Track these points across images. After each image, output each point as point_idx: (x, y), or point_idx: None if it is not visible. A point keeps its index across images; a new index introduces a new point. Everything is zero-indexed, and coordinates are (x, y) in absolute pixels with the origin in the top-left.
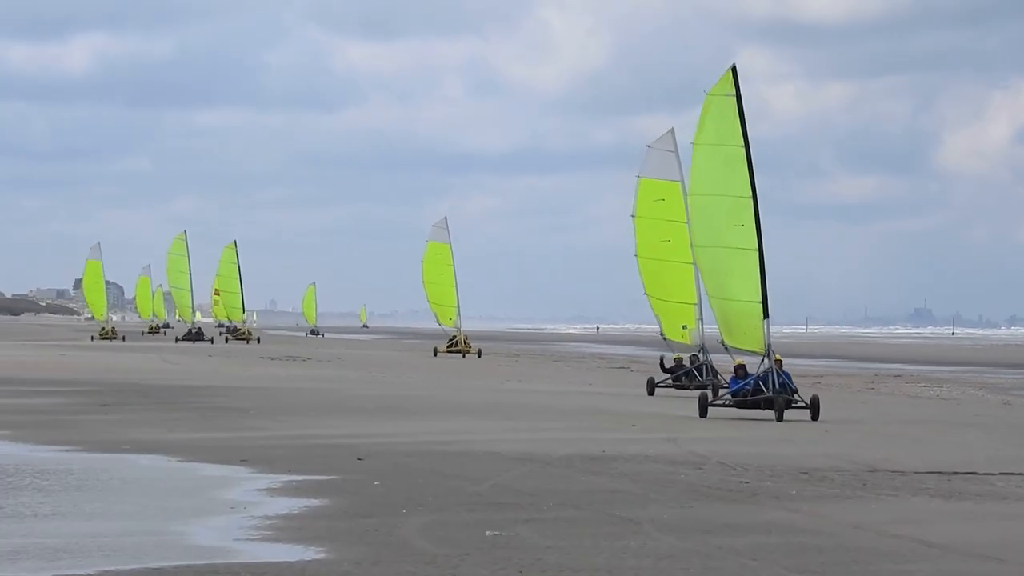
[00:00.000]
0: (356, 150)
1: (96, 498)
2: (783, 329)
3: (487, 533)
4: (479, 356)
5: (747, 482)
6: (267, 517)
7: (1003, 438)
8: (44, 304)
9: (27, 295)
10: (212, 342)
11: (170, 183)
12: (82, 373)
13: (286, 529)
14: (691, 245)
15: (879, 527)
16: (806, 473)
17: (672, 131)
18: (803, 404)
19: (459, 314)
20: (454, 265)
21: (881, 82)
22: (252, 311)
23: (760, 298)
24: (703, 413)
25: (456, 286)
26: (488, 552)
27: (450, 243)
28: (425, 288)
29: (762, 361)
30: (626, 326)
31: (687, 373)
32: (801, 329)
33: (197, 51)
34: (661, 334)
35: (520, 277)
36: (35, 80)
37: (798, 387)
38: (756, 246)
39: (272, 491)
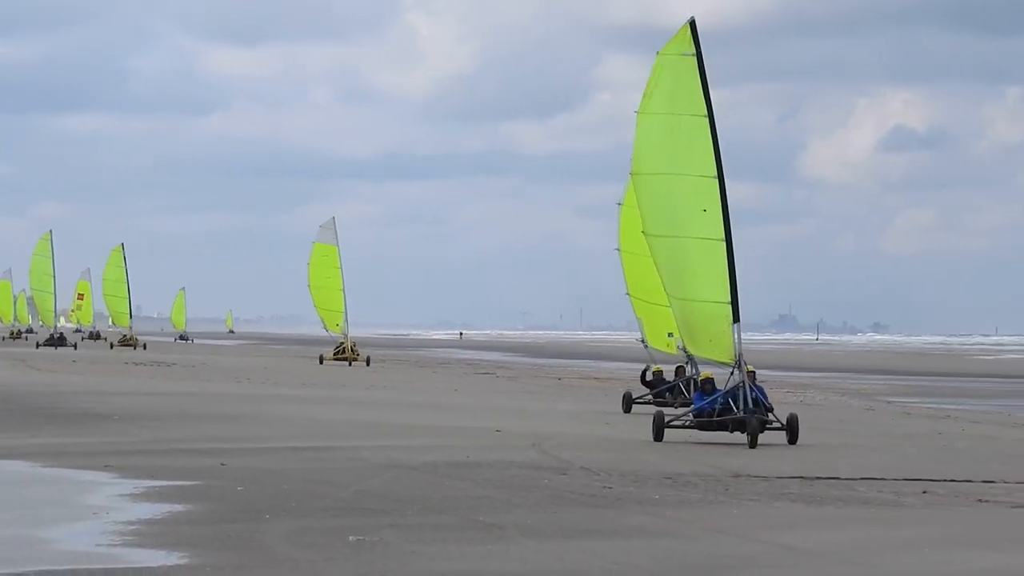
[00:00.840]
0: (223, 156)
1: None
2: None
3: (351, 538)
4: (367, 364)
5: (611, 487)
6: (129, 522)
7: (866, 444)
8: None
9: None
10: (75, 347)
11: (35, 188)
12: None
13: (148, 535)
14: (642, 232)
15: (742, 532)
16: (670, 479)
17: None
18: (779, 425)
19: (347, 320)
20: (342, 268)
21: (748, 90)
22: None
23: (729, 298)
24: (658, 436)
25: (344, 290)
26: (352, 557)
27: (338, 244)
28: (311, 292)
29: (731, 373)
30: (488, 332)
31: (671, 388)
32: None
33: (64, 56)
34: (642, 341)
35: (386, 282)
36: None
37: (773, 404)
38: (723, 236)
39: (135, 496)
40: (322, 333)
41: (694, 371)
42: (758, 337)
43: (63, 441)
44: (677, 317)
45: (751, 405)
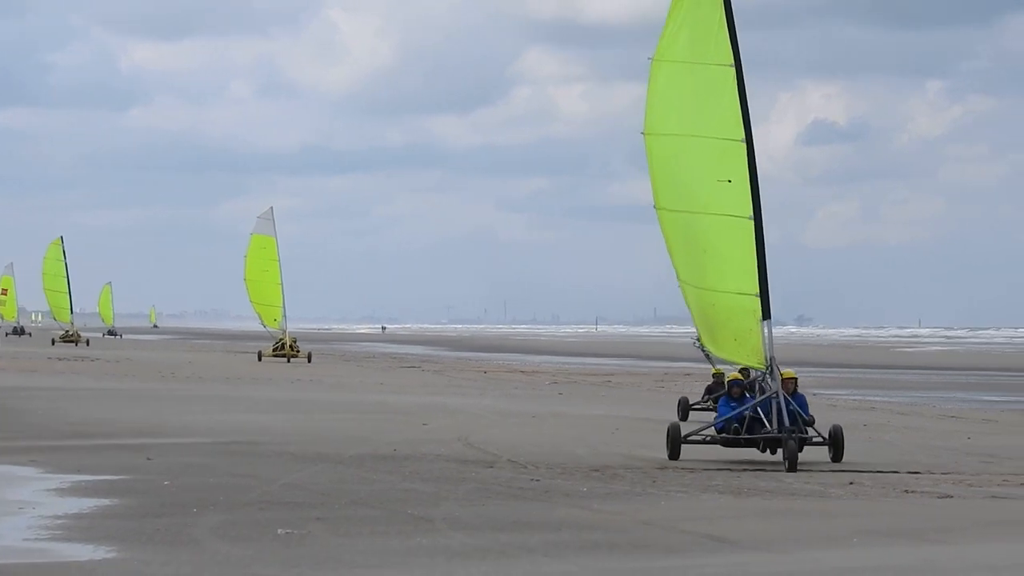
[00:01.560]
0: (145, 151)
1: None
2: (577, 329)
3: (279, 531)
4: (308, 361)
5: (538, 480)
6: (56, 517)
7: None
8: None
9: None
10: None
11: None
12: None
13: (76, 528)
14: (654, 207)
15: (669, 523)
16: (597, 471)
17: None
18: (821, 440)
19: (284, 315)
20: (280, 260)
21: None
22: (38, 312)
23: (757, 289)
24: (673, 454)
25: (282, 284)
26: (280, 550)
27: (276, 236)
28: (247, 286)
29: (762, 379)
30: (410, 326)
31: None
32: (591, 328)
33: None
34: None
35: (308, 277)
36: None
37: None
38: (751, 213)
39: (61, 491)
40: (247, 327)
41: (759, 377)
42: (682, 330)
43: None
44: (693, 309)
45: (787, 419)
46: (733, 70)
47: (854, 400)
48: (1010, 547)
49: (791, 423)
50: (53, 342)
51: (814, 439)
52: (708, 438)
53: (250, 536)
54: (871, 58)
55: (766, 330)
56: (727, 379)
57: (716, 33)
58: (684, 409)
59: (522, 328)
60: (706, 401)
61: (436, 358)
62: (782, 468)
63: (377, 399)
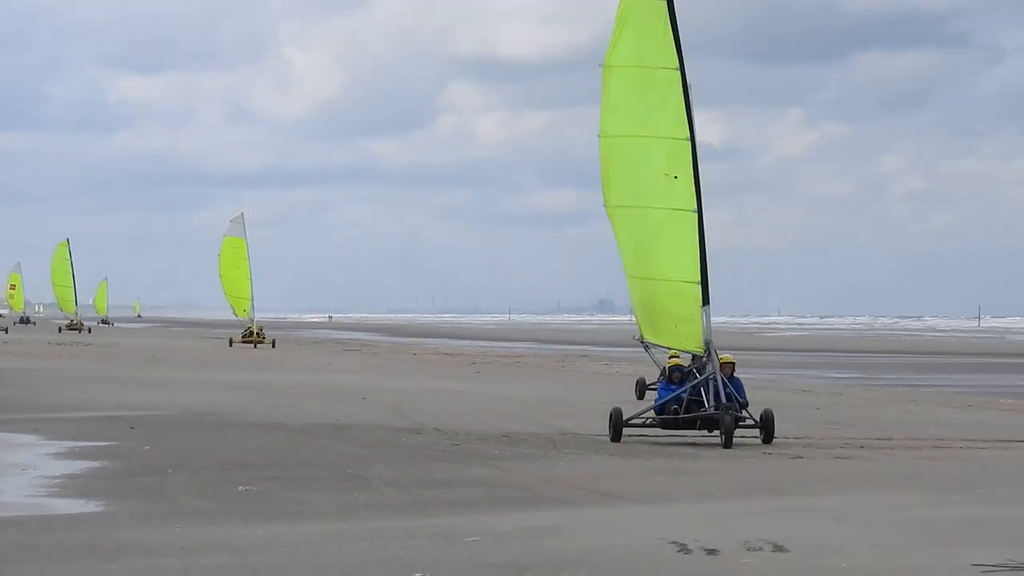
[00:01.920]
0: (129, 169)
1: None
2: (493, 317)
3: (240, 488)
4: (273, 346)
5: (458, 444)
6: (53, 477)
7: None
8: None
9: None
10: (6, 331)
11: None
12: None
13: (69, 486)
14: (604, 206)
15: (566, 481)
16: (507, 437)
17: None
18: (753, 422)
19: (253, 306)
20: (249, 259)
21: (569, 112)
22: (40, 303)
23: (699, 278)
24: (615, 436)
25: (251, 279)
26: (240, 504)
27: (245, 237)
28: (221, 280)
29: (701, 363)
30: (352, 315)
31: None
32: (505, 317)
33: None
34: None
35: (266, 273)
36: None
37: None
38: (695, 206)
39: (58, 455)
40: (217, 316)
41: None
42: (580, 318)
43: None
44: (635, 300)
45: (724, 399)
46: (678, 73)
47: None
48: (849, 498)
49: (727, 402)
50: (60, 330)
51: (747, 420)
52: (648, 420)
53: (215, 493)
54: (742, 90)
55: (705, 316)
56: (667, 365)
57: (661, 39)
58: (641, 388)
59: (447, 317)
60: (656, 384)
61: (374, 343)
62: (718, 447)
63: (325, 378)
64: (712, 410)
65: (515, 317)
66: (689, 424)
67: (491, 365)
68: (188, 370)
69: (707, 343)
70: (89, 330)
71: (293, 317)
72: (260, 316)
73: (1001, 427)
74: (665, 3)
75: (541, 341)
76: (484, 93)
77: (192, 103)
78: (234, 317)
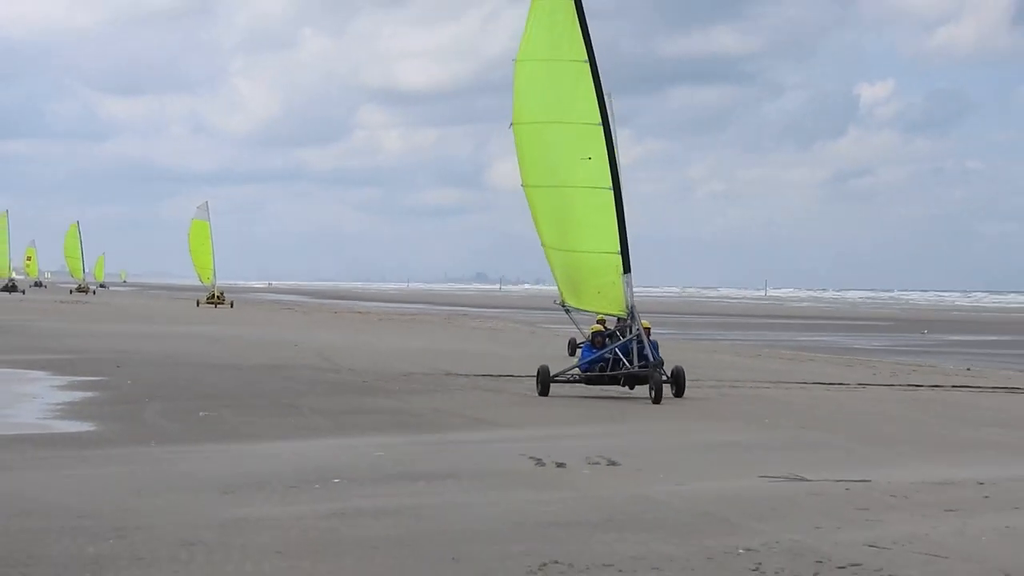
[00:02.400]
0: (118, 169)
1: None
2: (396, 285)
3: (200, 414)
4: (231, 306)
5: (367, 381)
6: (56, 404)
7: (530, 352)
8: None
9: None
10: (24, 293)
11: None
12: None
13: (68, 411)
14: (522, 185)
15: (448, 410)
16: (405, 376)
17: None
18: (665, 378)
19: (215, 275)
20: (212, 238)
21: (452, 129)
22: (48, 271)
23: (618, 248)
24: (544, 391)
25: (213, 253)
26: (200, 426)
27: (209, 221)
28: (191, 255)
29: (624, 325)
30: (287, 282)
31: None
32: (404, 285)
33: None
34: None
35: (226, 250)
36: None
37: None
38: (610, 184)
39: (60, 387)
40: (186, 283)
41: (633, 323)
42: (462, 287)
43: (15, 352)
44: (557, 270)
45: (650, 359)
46: (587, 65)
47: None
48: (668, 424)
49: (649, 361)
50: (71, 291)
51: (663, 376)
52: (574, 377)
53: (181, 417)
54: None
55: (627, 284)
56: (589, 331)
57: (570, 34)
58: (572, 346)
59: (359, 284)
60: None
61: (303, 304)
62: (645, 401)
63: (267, 331)
64: (638, 368)
65: (412, 285)
66: (613, 380)
67: (393, 321)
68: (163, 324)
69: (631, 308)
70: (94, 292)
71: (242, 283)
72: (219, 282)
73: (782, 371)
74: (573, 3)
75: (431, 303)
76: (388, 115)
77: (164, 120)
78: (200, 283)
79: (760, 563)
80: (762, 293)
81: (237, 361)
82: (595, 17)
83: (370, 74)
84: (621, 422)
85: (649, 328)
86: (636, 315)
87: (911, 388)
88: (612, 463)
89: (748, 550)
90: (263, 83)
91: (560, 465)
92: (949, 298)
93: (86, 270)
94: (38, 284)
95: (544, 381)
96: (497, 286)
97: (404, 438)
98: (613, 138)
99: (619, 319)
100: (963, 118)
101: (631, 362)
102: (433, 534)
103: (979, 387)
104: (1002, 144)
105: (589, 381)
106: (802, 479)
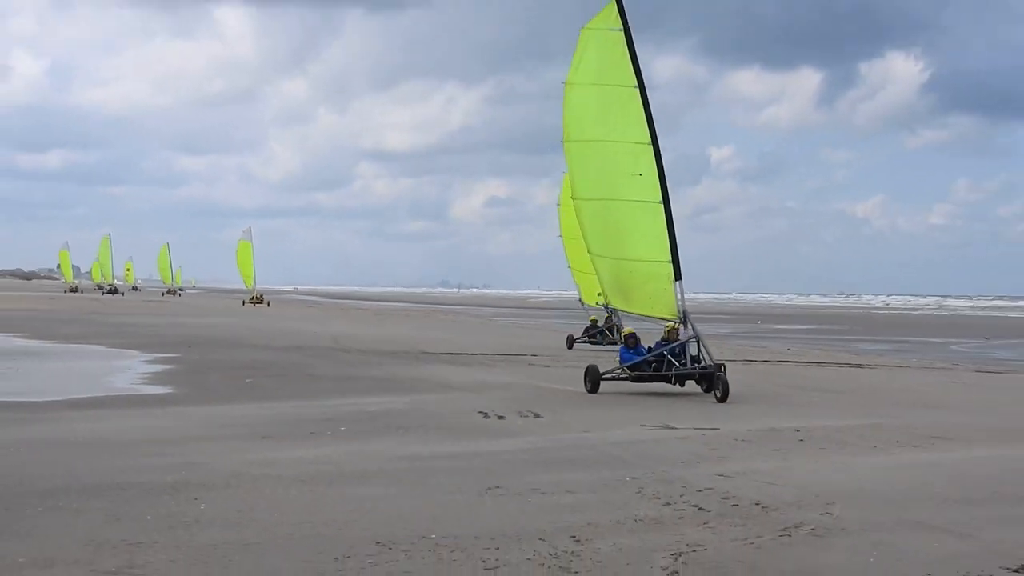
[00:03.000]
0: (189, 208)
1: (67, 367)
2: (385, 289)
3: (247, 380)
4: (268, 305)
5: (366, 358)
6: (144, 374)
7: (481, 338)
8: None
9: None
10: (123, 294)
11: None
12: (62, 309)
13: (154, 379)
14: (572, 198)
15: (424, 378)
16: (393, 354)
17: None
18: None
19: (255, 281)
20: (253, 254)
21: (427, 178)
22: (140, 279)
23: (669, 257)
24: (594, 388)
25: (254, 265)
26: (245, 389)
27: (251, 242)
28: (238, 267)
29: (674, 330)
30: (308, 286)
31: (601, 332)
32: (391, 289)
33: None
34: (580, 300)
35: (261, 262)
36: None
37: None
38: (660, 198)
39: (147, 361)
40: (235, 287)
41: (617, 321)
42: (430, 290)
43: (114, 336)
44: (605, 276)
45: (707, 359)
46: (636, 90)
47: (501, 319)
48: (579, 388)
49: (693, 362)
50: (163, 294)
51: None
52: (621, 375)
53: (232, 383)
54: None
55: (678, 289)
56: (623, 334)
57: (619, 62)
58: (570, 342)
59: (358, 288)
60: (582, 339)
61: (321, 303)
62: (545, 365)
63: (294, 322)
64: (696, 368)
65: (395, 289)
66: (663, 379)
67: (383, 315)
68: (219, 317)
69: (684, 312)
70: (179, 294)
71: (275, 287)
72: (258, 287)
73: None
74: (623, 34)
75: (410, 302)
76: (378, 168)
77: (221, 171)
78: (244, 287)
79: (642, 488)
80: None
81: (272, 343)
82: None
83: (366, 139)
84: (546, 382)
85: (677, 329)
86: (689, 319)
87: (747, 363)
88: (536, 415)
89: (633, 478)
90: (290, 146)
91: (501, 417)
92: (773, 299)
93: (171, 279)
94: (134, 288)
95: (594, 380)
96: (456, 289)
97: (390, 397)
98: (660, 157)
99: (607, 318)
100: (782, 171)
101: (680, 362)
102: (409, 468)
103: (796, 361)
104: (810, 189)
105: (637, 379)
106: (671, 427)
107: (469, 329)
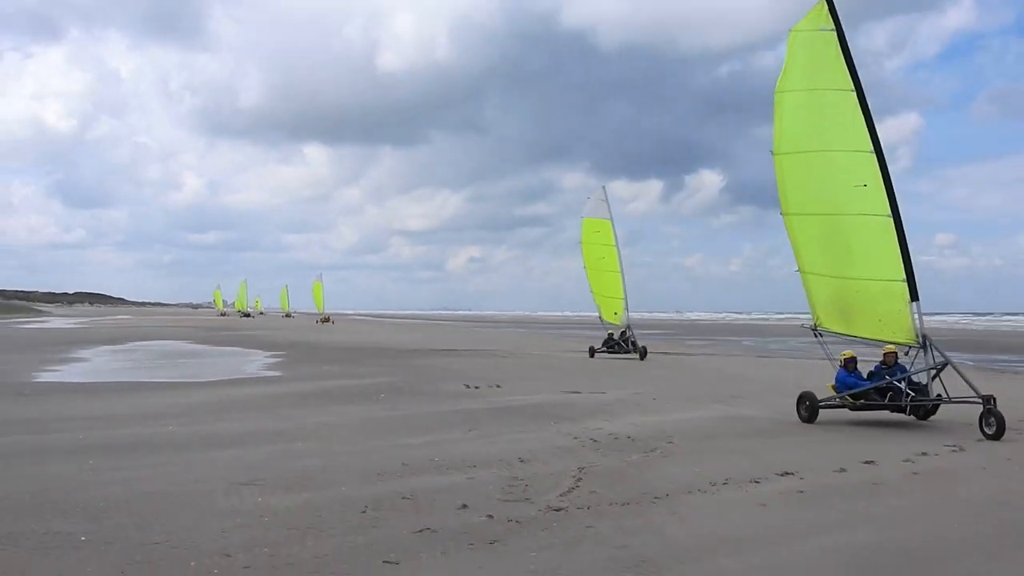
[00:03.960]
0: (291, 265)
1: (210, 365)
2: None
3: (324, 367)
4: (333, 323)
5: (400, 355)
6: (265, 363)
7: (469, 340)
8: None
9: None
10: (253, 317)
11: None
12: (203, 326)
13: (271, 367)
14: (782, 214)
15: (429, 363)
16: (417, 350)
17: (604, 187)
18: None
19: (324, 306)
20: (323, 291)
21: (434, 247)
22: (292, 308)
23: (903, 276)
24: (811, 418)
25: (323, 298)
26: (322, 373)
27: (323, 282)
28: (314, 298)
29: (909, 353)
30: (356, 310)
31: (618, 343)
32: (408, 311)
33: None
34: (600, 318)
35: (332, 295)
36: None
37: None
38: (889, 211)
39: (268, 356)
40: (312, 310)
41: (630, 335)
42: (431, 312)
43: (245, 343)
44: (822, 295)
45: (944, 389)
46: (852, 93)
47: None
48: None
49: (914, 388)
50: (317, 321)
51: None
52: (841, 403)
53: (316, 369)
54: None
55: (915, 310)
56: (842, 357)
57: (832, 64)
58: (592, 351)
59: (389, 310)
60: (602, 349)
61: (367, 320)
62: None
63: (351, 334)
64: (932, 399)
65: (414, 311)
66: (896, 408)
67: (408, 327)
68: (308, 331)
69: (924, 336)
70: (333, 321)
71: (341, 311)
72: (326, 310)
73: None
74: (834, 34)
75: (424, 319)
76: (402, 240)
77: (309, 244)
78: (317, 311)
79: (560, 429)
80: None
81: (337, 344)
82: None
83: (395, 223)
84: (507, 368)
85: (896, 353)
86: (930, 343)
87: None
88: (498, 386)
89: (555, 424)
90: (349, 228)
91: (476, 387)
92: (635, 315)
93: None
94: (261, 313)
95: (811, 409)
96: (457, 311)
97: (406, 375)
98: (886, 165)
99: (622, 332)
100: (642, 240)
101: (904, 390)
102: (420, 417)
103: (653, 352)
104: (657, 251)
105: (863, 408)
106: (577, 392)
107: (461, 336)
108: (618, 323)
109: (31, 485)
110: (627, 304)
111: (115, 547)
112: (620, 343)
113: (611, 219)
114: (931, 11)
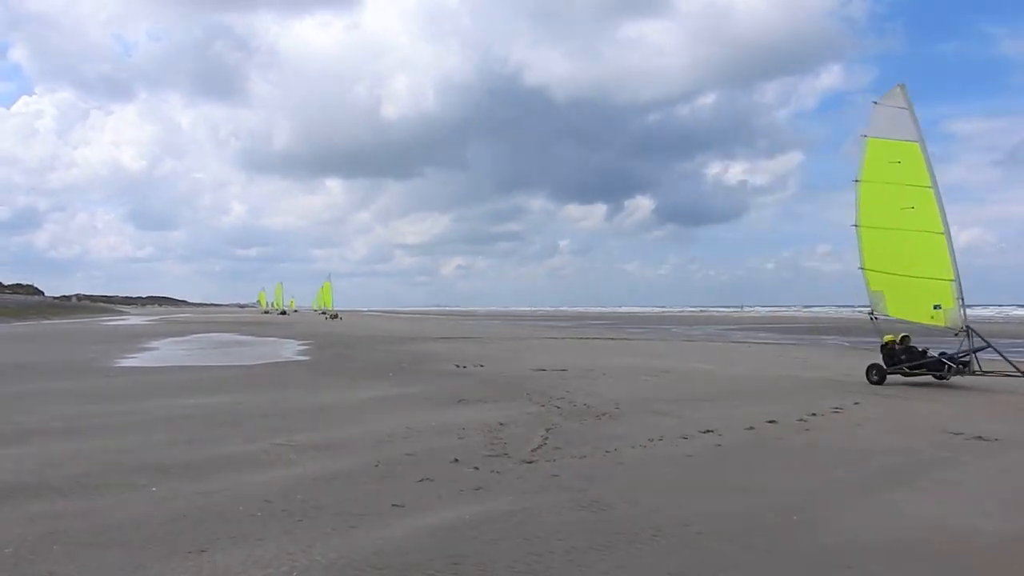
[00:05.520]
0: (305, 273)
1: (253, 352)
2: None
3: (345, 352)
4: (340, 319)
5: (408, 341)
6: (297, 351)
7: (462, 331)
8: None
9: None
10: (288, 315)
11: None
12: (244, 321)
13: (301, 353)
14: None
15: (429, 348)
16: (423, 336)
17: (901, 86)
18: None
19: (333, 303)
20: (332, 291)
21: (429, 257)
22: (299, 306)
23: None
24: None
25: (332, 298)
26: (341, 358)
27: (331, 283)
28: (323, 297)
29: (907, 337)
30: (363, 307)
31: (924, 357)
32: (413, 308)
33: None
34: (871, 314)
35: (340, 296)
36: None
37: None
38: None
39: (299, 343)
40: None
41: (970, 344)
42: (434, 308)
43: (280, 335)
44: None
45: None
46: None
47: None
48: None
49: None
50: (327, 318)
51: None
52: (906, 371)
53: (336, 355)
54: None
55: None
56: (901, 336)
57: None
58: (879, 374)
59: (393, 307)
60: (897, 367)
61: (373, 314)
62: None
63: (361, 327)
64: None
65: (412, 307)
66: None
67: (414, 320)
68: (321, 324)
69: (966, 324)
70: (341, 317)
71: (354, 308)
72: (335, 308)
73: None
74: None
75: (427, 315)
76: (403, 253)
77: (330, 256)
78: (327, 308)
79: (530, 398)
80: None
81: (349, 335)
82: None
83: (396, 239)
84: (488, 351)
85: (909, 336)
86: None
87: (583, 339)
88: (481, 365)
89: (527, 394)
90: (362, 244)
91: (464, 367)
92: (592, 310)
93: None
94: (295, 311)
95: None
96: (447, 307)
97: (408, 358)
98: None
99: (902, 338)
100: (590, 252)
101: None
102: (417, 395)
103: (602, 337)
104: (602, 260)
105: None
106: (544, 369)
107: (457, 328)
108: (942, 324)
109: (106, 455)
110: (960, 290)
111: (179, 499)
112: (944, 357)
113: (921, 142)
114: (808, 74)
